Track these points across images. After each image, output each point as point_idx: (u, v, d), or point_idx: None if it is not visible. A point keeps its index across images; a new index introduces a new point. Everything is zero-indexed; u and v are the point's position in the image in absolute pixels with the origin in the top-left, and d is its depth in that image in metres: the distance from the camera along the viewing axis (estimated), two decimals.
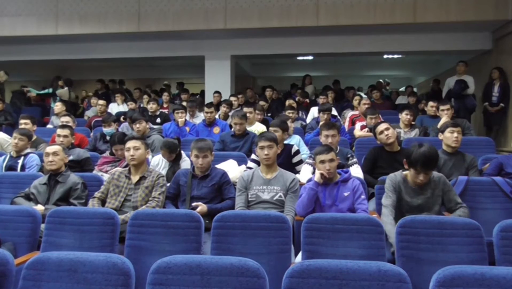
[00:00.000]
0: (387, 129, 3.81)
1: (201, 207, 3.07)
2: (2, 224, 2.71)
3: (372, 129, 4.20)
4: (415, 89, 10.79)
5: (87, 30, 7.73)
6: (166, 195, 3.27)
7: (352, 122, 6.03)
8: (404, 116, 5.12)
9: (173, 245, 2.52)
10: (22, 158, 4.13)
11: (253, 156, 3.91)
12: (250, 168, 3.80)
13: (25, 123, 4.99)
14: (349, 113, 6.43)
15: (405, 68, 12.94)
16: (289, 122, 4.62)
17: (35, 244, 2.73)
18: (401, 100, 8.94)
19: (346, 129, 5.78)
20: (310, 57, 10.00)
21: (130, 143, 3.30)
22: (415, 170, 2.74)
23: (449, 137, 3.63)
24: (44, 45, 8.60)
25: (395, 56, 9.99)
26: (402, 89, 11.51)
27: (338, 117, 6.48)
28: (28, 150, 4.26)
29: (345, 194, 2.92)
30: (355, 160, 3.77)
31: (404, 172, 2.90)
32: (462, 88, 6.84)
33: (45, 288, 1.79)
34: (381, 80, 10.35)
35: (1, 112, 6.99)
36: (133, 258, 2.23)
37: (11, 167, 4.10)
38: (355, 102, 6.64)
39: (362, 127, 5.40)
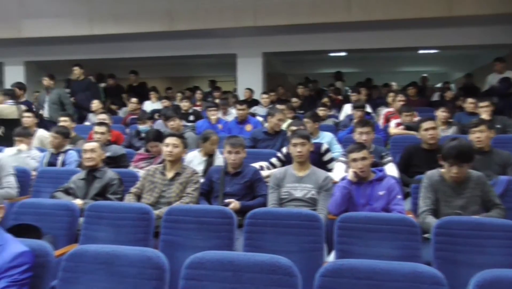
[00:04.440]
0: (433, 128, 3.72)
1: (234, 203, 3.09)
2: (43, 217, 2.81)
3: (418, 123, 4.10)
4: (452, 86, 10.45)
5: (121, 30, 7.91)
6: (200, 192, 3.31)
7: (387, 120, 5.91)
8: (440, 113, 4.98)
9: (206, 241, 2.55)
10: (61, 154, 4.28)
11: (278, 154, 3.91)
12: (272, 164, 3.81)
13: (63, 120, 5.17)
14: (383, 111, 6.30)
15: (442, 64, 12.55)
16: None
17: (74, 237, 2.81)
18: (437, 97, 8.69)
19: (381, 127, 5.67)
20: (343, 54, 9.87)
21: (170, 140, 3.35)
22: (448, 163, 2.70)
23: (472, 138, 3.56)
24: (80, 45, 8.85)
25: (431, 51, 9.71)
26: (439, 85, 11.17)
27: (372, 114, 6.37)
28: (68, 147, 4.42)
29: (380, 193, 2.87)
30: (390, 158, 3.69)
31: (442, 170, 2.82)
32: (508, 87, 6.58)
33: (82, 280, 1.85)
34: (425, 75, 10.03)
35: None
36: (167, 252, 2.27)
37: (51, 163, 4.26)
38: (389, 99, 6.50)
39: (397, 125, 5.28)
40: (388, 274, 1.66)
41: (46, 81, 6.94)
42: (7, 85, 9.27)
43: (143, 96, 7.98)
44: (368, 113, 5.86)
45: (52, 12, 8.13)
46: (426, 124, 3.75)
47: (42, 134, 5.23)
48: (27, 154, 4.43)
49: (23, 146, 4.45)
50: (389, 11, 6.84)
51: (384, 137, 5.21)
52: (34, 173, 4.02)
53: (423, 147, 3.76)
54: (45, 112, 6.74)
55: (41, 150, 4.69)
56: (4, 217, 2.09)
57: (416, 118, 5.17)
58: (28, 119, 5.29)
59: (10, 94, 6.13)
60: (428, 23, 7.13)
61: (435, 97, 8.74)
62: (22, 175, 3.81)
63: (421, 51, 9.69)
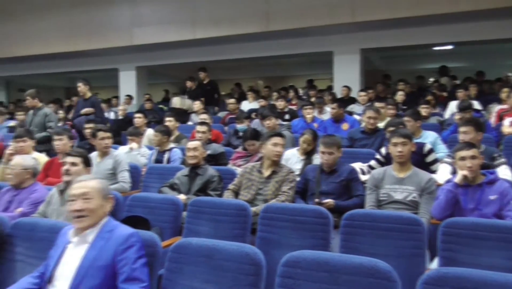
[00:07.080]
0: None
1: (329, 201, 3.05)
2: (151, 210, 3.03)
3: None
4: None
5: (221, 33, 8.21)
6: (295, 190, 3.33)
7: (500, 118, 5.38)
8: None
9: (301, 240, 2.55)
10: (167, 152, 4.61)
11: (377, 155, 3.76)
12: (371, 167, 3.68)
13: (169, 120, 5.55)
14: (496, 108, 5.74)
15: None
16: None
17: (178, 230, 2.99)
18: None
19: (492, 126, 5.19)
20: (450, 47, 9.19)
21: (278, 140, 3.36)
22: None
23: None
24: (184, 49, 9.35)
25: None
26: None
27: (483, 112, 5.84)
28: (172, 145, 4.74)
29: (491, 198, 2.63)
30: (503, 159, 3.36)
31: None
32: None
33: (186, 270, 1.98)
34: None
35: (150, 111, 7.88)
36: (263, 249, 2.32)
37: (158, 160, 4.61)
38: (503, 95, 5.90)
39: None
40: (501, 287, 1.51)
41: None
42: (122, 89, 10.28)
43: (213, 94, 8.14)
44: (477, 111, 5.38)
45: (159, 20, 8.74)
46: None
47: (150, 133, 5.67)
48: (137, 152, 4.85)
49: (134, 144, 4.88)
50: None
51: (496, 137, 4.76)
52: (144, 169, 4.39)
53: None
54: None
55: (150, 148, 5.10)
56: (116, 208, 2.28)
57: None
58: (138, 120, 5.77)
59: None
60: None
61: None
62: (134, 171, 4.17)
63: None
